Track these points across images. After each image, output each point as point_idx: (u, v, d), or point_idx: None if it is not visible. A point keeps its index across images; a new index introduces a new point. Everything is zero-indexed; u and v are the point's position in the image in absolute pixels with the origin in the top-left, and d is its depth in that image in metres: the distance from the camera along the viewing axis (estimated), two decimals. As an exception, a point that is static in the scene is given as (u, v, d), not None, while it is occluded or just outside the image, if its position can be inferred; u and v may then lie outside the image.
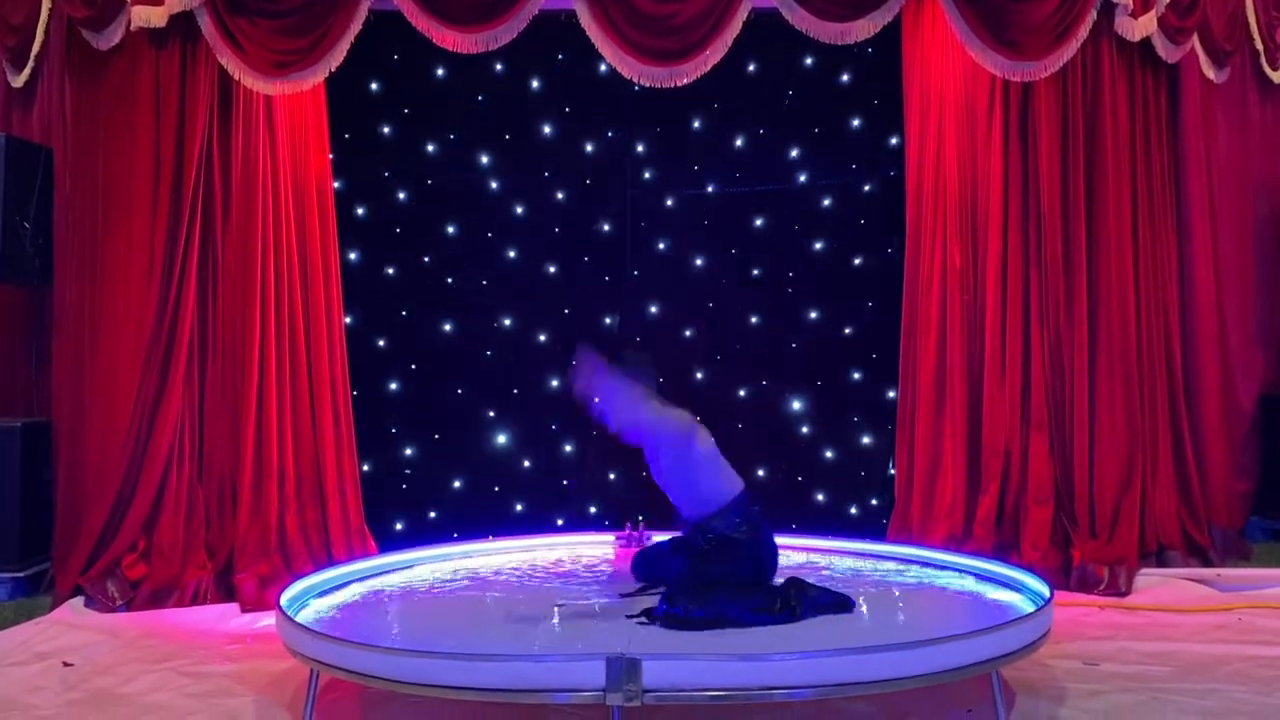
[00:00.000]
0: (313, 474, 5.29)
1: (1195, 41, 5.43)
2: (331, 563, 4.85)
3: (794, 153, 6.26)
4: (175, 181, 5.09)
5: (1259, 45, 5.85)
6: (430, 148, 6.22)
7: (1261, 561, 5.39)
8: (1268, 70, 5.90)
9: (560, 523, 6.04)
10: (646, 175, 6.30)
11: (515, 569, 4.47)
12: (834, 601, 3.61)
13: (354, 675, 3.13)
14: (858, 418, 6.18)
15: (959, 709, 3.42)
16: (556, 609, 3.72)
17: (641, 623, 3.45)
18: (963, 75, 5.39)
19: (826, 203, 6.27)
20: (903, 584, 4.14)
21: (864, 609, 3.65)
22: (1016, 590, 3.89)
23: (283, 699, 3.64)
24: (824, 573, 4.24)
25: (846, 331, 6.22)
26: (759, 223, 6.31)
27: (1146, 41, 5.25)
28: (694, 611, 3.38)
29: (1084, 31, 5.07)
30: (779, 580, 3.77)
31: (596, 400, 3.89)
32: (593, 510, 6.13)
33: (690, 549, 3.89)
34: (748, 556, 3.78)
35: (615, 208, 6.27)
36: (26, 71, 5.41)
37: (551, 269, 6.31)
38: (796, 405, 6.23)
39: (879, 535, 5.44)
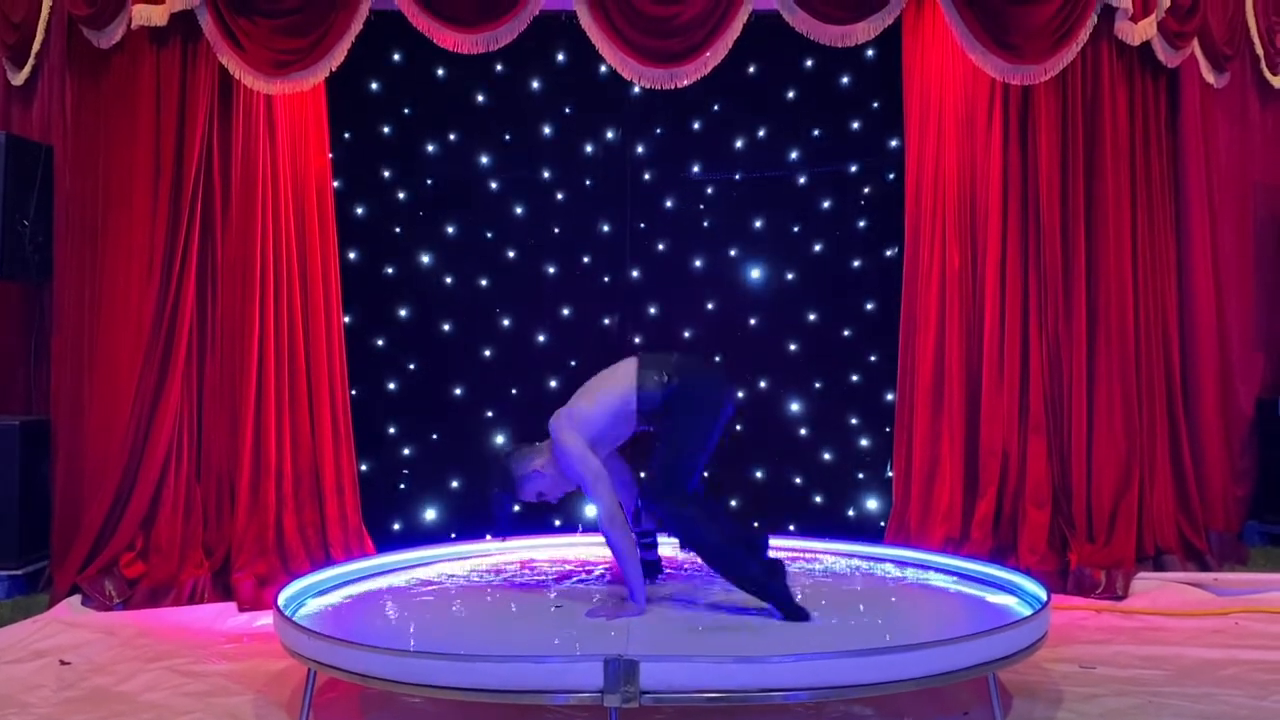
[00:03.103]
0: (311, 473, 5.28)
1: (1195, 46, 5.43)
2: (329, 562, 4.84)
3: (794, 154, 6.27)
4: (175, 180, 5.08)
5: (1259, 50, 5.85)
6: (430, 147, 6.22)
7: (1258, 566, 5.40)
8: (1268, 75, 5.89)
9: (557, 523, 6.03)
10: (646, 176, 6.29)
11: (512, 569, 4.47)
12: (790, 609, 3.53)
13: (351, 675, 3.12)
14: (856, 419, 6.18)
15: (956, 712, 3.42)
16: (554, 610, 3.73)
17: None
18: (963, 78, 5.39)
19: (826, 204, 6.28)
20: (900, 586, 4.15)
21: (862, 609, 3.65)
22: (1013, 593, 3.89)
23: (280, 698, 3.64)
24: (821, 574, 4.25)
25: (845, 333, 6.23)
26: (758, 224, 6.31)
27: (1146, 46, 5.25)
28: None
29: (1084, 35, 5.07)
30: (769, 555, 3.80)
31: (536, 493, 3.94)
32: (589, 511, 6.12)
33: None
34: (698, 402, 3.74)
35: (615, 208, 6.27)
36: (27, 69, 5.41)
37: (551, 269, 6.31)
38: (795, 406, 6.24)
39: (877, 537, 5.45)
